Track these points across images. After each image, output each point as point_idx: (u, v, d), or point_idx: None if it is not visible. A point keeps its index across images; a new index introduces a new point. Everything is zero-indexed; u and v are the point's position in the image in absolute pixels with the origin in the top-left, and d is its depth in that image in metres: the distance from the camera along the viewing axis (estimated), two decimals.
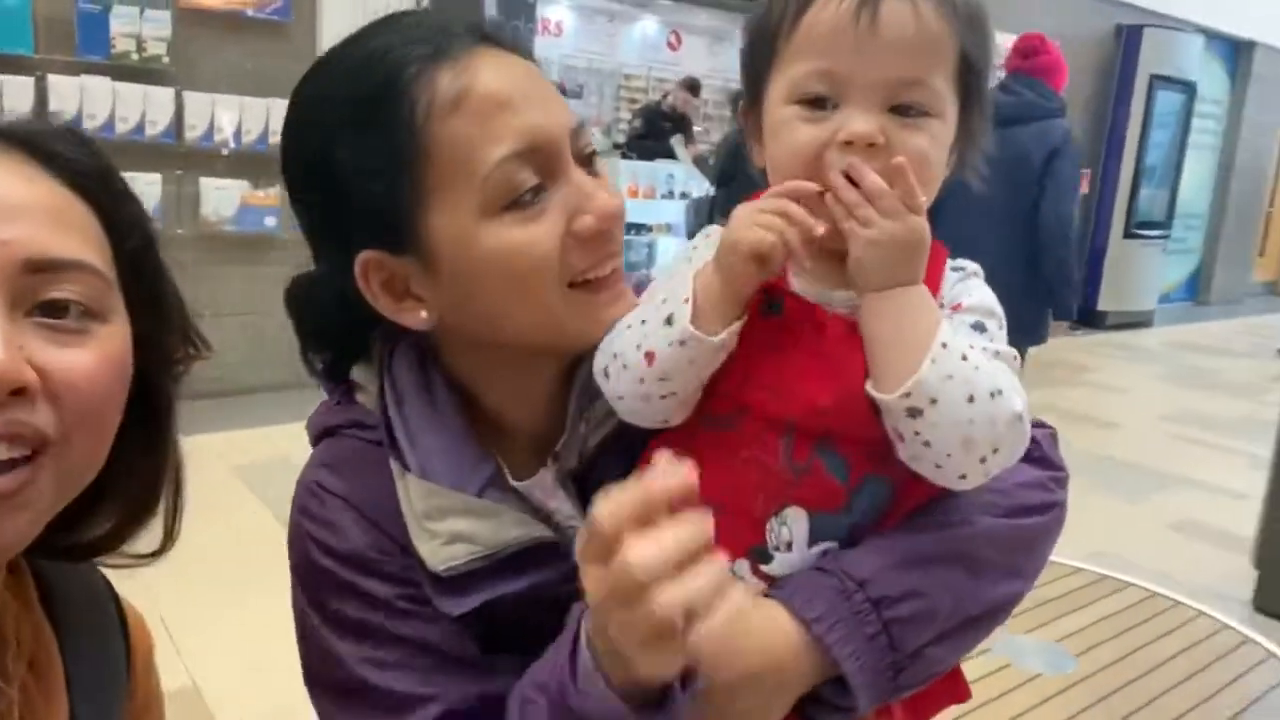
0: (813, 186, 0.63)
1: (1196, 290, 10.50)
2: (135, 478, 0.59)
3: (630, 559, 0.48)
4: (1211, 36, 9.16)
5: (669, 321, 0.63)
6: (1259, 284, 11.53)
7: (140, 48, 4.23)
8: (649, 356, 0.64)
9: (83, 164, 0.56)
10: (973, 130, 0.68)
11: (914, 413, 0.59)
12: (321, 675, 0.68)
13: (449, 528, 0.65)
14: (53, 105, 3.98)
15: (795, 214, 0.62)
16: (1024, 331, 3.22)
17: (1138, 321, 8.69)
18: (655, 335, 0.64)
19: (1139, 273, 8.70)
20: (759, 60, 0.68)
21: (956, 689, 0.74)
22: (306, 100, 0.68)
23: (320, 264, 0.72)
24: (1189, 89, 8.71)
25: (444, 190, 0.64)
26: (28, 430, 0.49)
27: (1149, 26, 8.43)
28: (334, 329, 0.74)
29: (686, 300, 0.63)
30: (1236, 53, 9.97)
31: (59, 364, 0.50)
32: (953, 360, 0.59)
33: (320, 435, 0.73)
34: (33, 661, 0.57)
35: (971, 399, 0.59)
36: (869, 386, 0.62)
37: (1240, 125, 10.09)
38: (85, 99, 4.07)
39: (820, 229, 0.61)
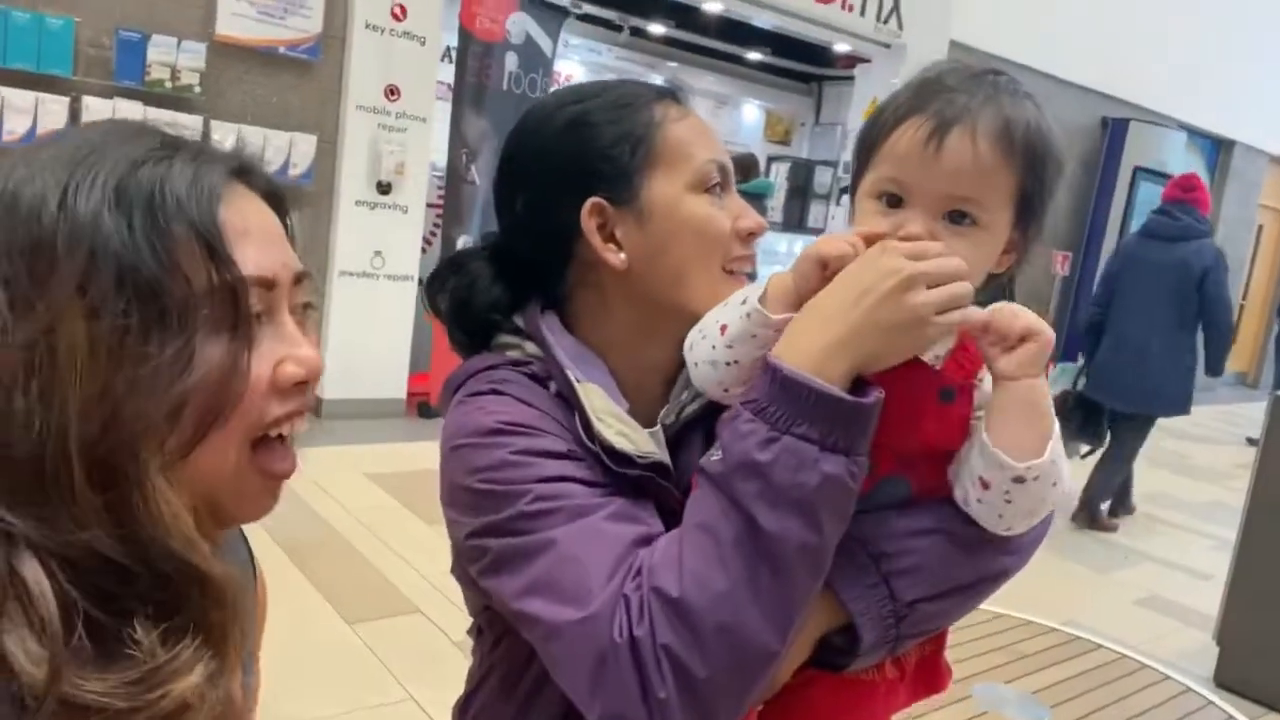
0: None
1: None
2: None
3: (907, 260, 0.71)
4: (1193, 133, 9.55)
5: (743, 302, 0.80)
6: (1230, 374, 11.83)
7: (174, 76, 4.39)
8: (723, 328, 0.80)
9: (276, 193, 0.67)
10: (1028, 238, 0.82)
11: (1019, 480, 0.73)
12: (520, 559, 0.76)
13: (616, 427, 0.81)
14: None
15: (870, 234, 0.77)
16: (1174, 405, 4.74)
17: None
18: (731, 312, 0.80)
19: None
20: (860, 160, 0.83)
21: (937, 676, 0.87)
22: (570, 97, 0.92)
23: (513, 233, 0.93)
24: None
25: (666, 166, 0.88)
26: (308, 407, 0.63)
27: (1135, 120, 8.80)
28: (481, 303, 0.92)
29: (760, 289, 0.79)
30: (1217, 150, 10.40)
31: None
32: (1057, 450, 0.75)
33: (472, 375, 0.88)
34: None
35: (1055, 484, 0.75)
36: (989, 439, 0.73)
37: (1218, 220, 10.48)
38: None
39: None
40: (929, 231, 0.76)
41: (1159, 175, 8.88)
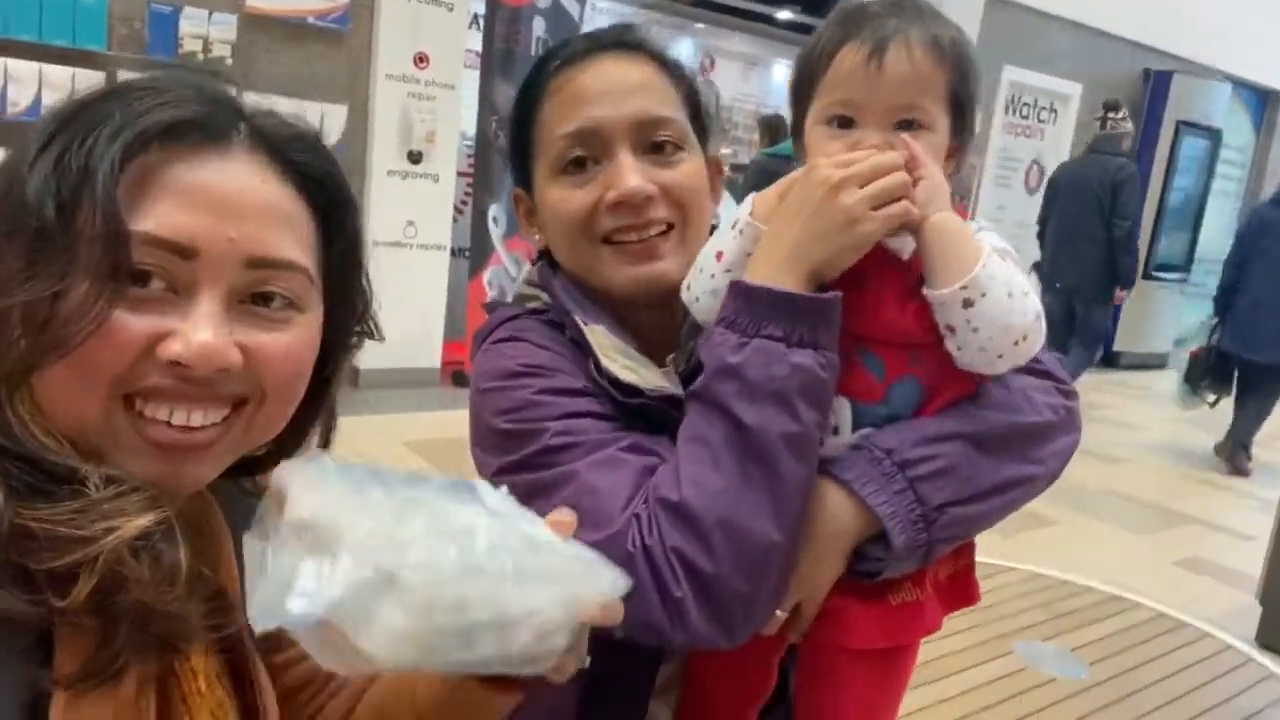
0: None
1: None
2: (293, 421, 0.66)
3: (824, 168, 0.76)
4: (1239, 85, 9.28)
5: (734, 225, 0.83)
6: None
7: (206, 49, 4.42)
8: (719, 255, 0.83)
9: (313, 169, 0.62)
10: (963, 144, 0.87)
11: (968, 303, 0.77)
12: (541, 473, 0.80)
13: (621, 362, 0.84)
14: None
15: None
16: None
17: (1153, 363, 8.76)
18: (724, 237, 0.84)
19: (1156, 315, 8.77)
20: (801, 90, 0.89)
21: (969, 590, 0.90)
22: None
23: None
24: (1214, 136, 8.81)
25: (540, 153, 0.90)
26: (226, 397, 0.57)
27: (1178, 73, 8.55)
28: None
29: (748, 208, 0.83)
30: (1262, 102, 10.10)
31: (260, 344, 0.58)
32: (996, 265, 0.78)
33: (497, 325, 0.91)
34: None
35: (1010, 295, 0.78)
36: (927, 290, 0.79)
37: (1264, 173, 10.20)
38: None
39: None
40: (886, 141, 0.82)
41: (1203, 129, 8.66)
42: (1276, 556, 3.28)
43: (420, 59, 5.08)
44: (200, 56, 4.39)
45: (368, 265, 0.69)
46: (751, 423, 0.74)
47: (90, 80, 4.12)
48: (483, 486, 0.59)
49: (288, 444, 0.68)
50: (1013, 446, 0.83)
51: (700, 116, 0.92)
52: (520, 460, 0.81)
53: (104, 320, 0.53)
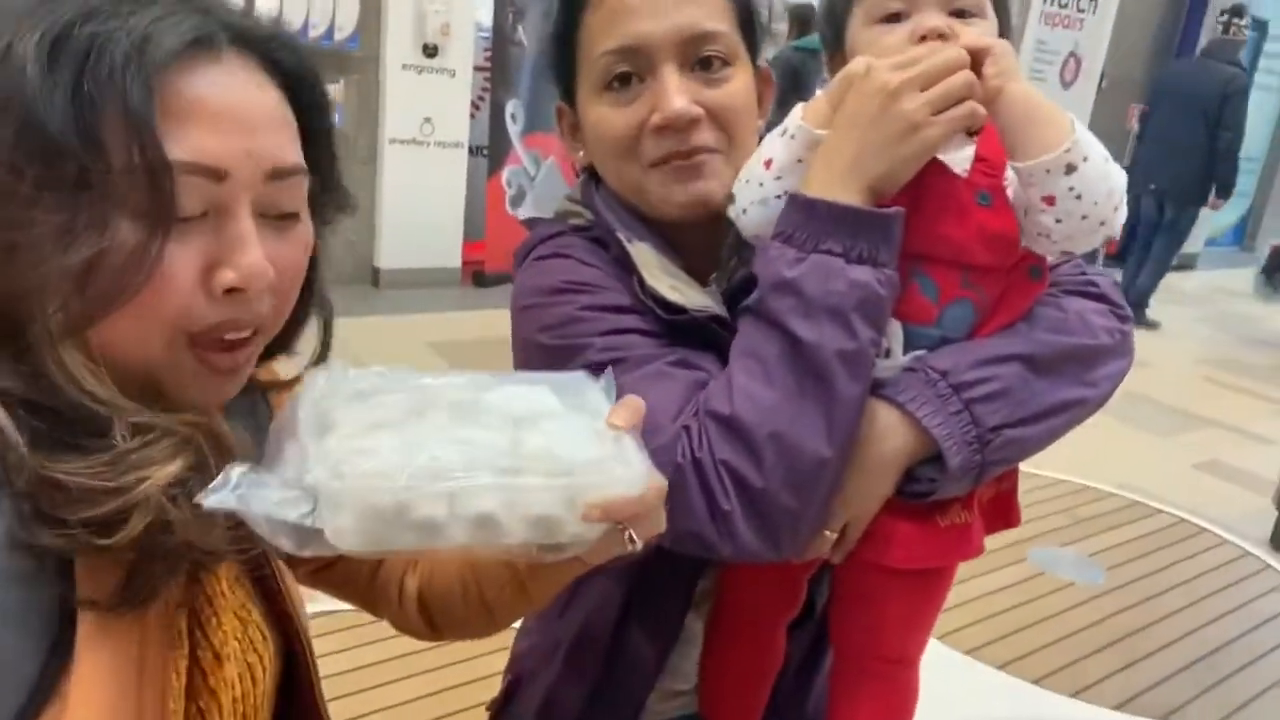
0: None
1: (1244, 236, 10.35)
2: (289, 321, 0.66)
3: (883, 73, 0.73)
4: None
5: (784, 130, 0.80)
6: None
7: None
8: (768, 163, 0.80)
9: (294, 67, 0.60)
10: (1004, 34, 0.85)
11: (1071, 169, 0.74)
12: None
13: (667, 281, 0.83)
14: None
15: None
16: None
17: (1183, 264, 8.61)
18: (773, 143, 0.81)
19: None
20: (838, 9, 0.86)
21: (1011, 513, 0.90)
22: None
23: None
24: (1261, 27, 8.44)
25: (582, 69, 0.86)
26: (261, 320, 0.58)
27: None
28: None
29: (799, 113, 0.80)
30: None
31: (279, 257, 0.58)
32: (1084, 131, 0.75)
33: (539, 242, 0.90)
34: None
35: (1106, 159, 0.76)
36: (1021, 161, 0.75)
37: None
38: None
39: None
40: (946, 24, 0.80)
41: (1248, 19, 8.29)
42: None
43: None
44: None
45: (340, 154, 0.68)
46: (807, 338, 0.73)
47: None
48: (514, 381, 0.61)
49: (286, 336, 0.68)
50: (1068, 369, 0.81)
51: (751, 24, 0.87)
52: None
53: (161, 258, 0.52)
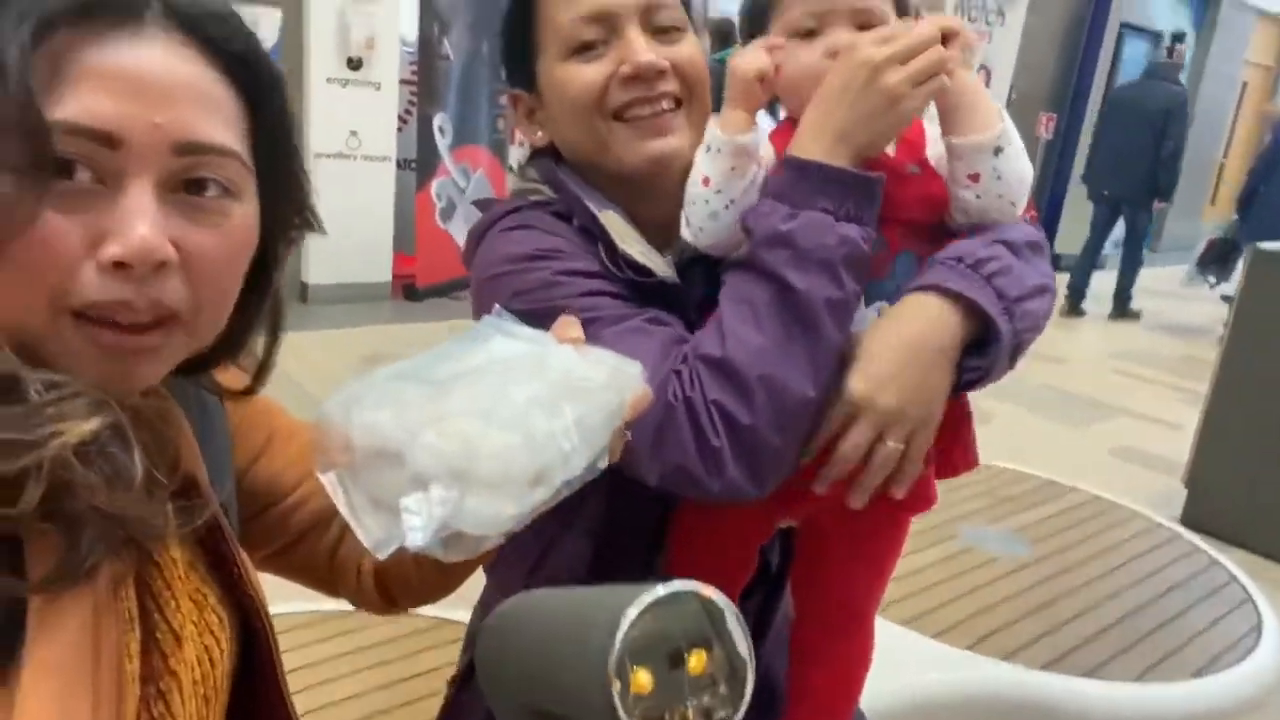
0: (777, 41, 0.88)
1: (1148, 240, 10.84)
2: (236, 320, 0.64)
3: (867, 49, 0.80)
4: None
5: (708, 148, 0.86)
6: (1209, 231, 11.94)
7: None
8: (705, 180, 0.86)
9: (236, 47, 0.58)
10: None
11: (998, 151, 0.84)
12: None
13: (637, 246, 0.88)
14: None
15: (775, 43, 0.87)
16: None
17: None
18: (703, 161, 0.87)
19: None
20: (756, 22, 0.93)
21: (969, 455, 0.96)
22: None
23: None
24: (1157, 38, 8.91)
25: (545, 43, 0.91)
26: (164, 308, 0.55)
27: None
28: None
29: (713, 125, 0.86)
30: (1204, 4, 10.18)
31: (195, 242, 0.55)
32: (1009, 121, 0.86)
33: (499, 217, 0.92)
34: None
35: (1022, 150, 0.86)
36: (957, 137, 0.85)
37: (1202, 75, 10.35)
38: None
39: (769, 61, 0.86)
40: (854, 40, 0.86)
41: (1146, 32, 8.74)
42: (1201, 444, 3.49)
43: None
44: None
45: (301, 148, 0.66)
46: (800, 286, 0.78)
47: None
48: (492, 323, 0.64)
49: (235, 340, 0.66)
50: (1035, 257, 0.88)
51: (688, 5, 0.94)
52: None
53: (34, 217, 0.50)
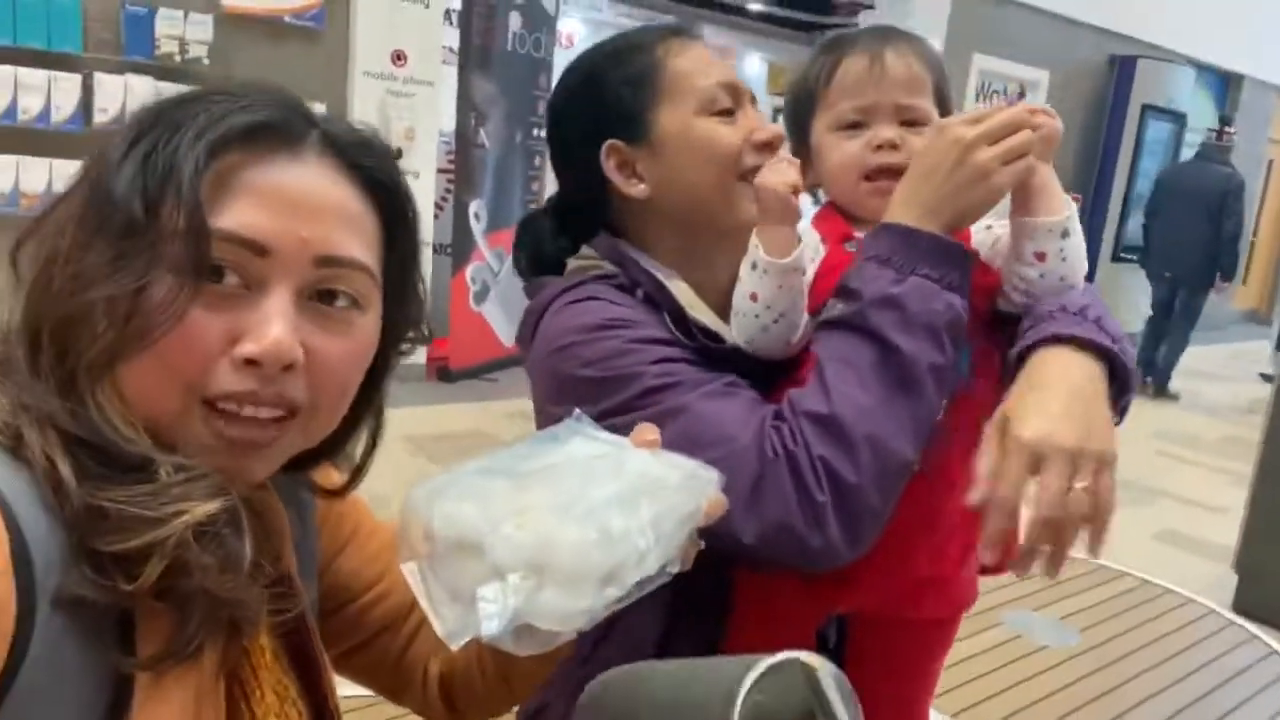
0: (791, 159, 0.92)
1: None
2: (342, 423, 0.67)
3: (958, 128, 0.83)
4: (1202, 69, 9.45)
5: (753, 266, 0.89)
6: (1240, 311, 11.82)
7: (183, 49, 4.39)
8: (753, 297, 0.89)
9: (379, 175, 0.64)
10: None
11: (1065, 234, 0.87)
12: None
13: (706, 313, 0.91)
14: (98, 103, 4.12)
15: (795, 162, 0.90)
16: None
17: None
18: (749, 279, 0.89)
19: (1125, 296, 8.90)
20: (801, 112, 0.99)
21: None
22: (587, 55, 1.02)
23: (563, 184, 1.04)
24: (1179, 119, 8.98)
25: (673, 98, 0.96)
26: (285, 402, 0.58)
27: (1142, 58, 8.71)
28: (550, 253, 1.02)
29: (756, 246, 0.88)
30: (1226, 85, 10.29)
31: (322, 347, 0.59)
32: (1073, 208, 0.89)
33: (561, 292, 0.94)
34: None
35: (1081, 236, 0.89)
36: (1033, 217, 0.86)
37: (1228, 154, 10.37)
38: (129, 97, 4.21)
39: (797, 173, 0.89)
40: (899, 135, 0.92)
41: (1168, 113, 8.81)
42: (1250, 527, 3.39)
43: (398, 56, 5.08)
44: (177, 58, 4.36)
45: (425, 272, 0.72)
46: (907, 350, 0.80)
47: (67, 84, 4.09)
48: (571, 426, 0.65)
49: (339, 441, 0.69)
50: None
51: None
52: (622, 403, 0.84)
53: (184, 314, 0.55)
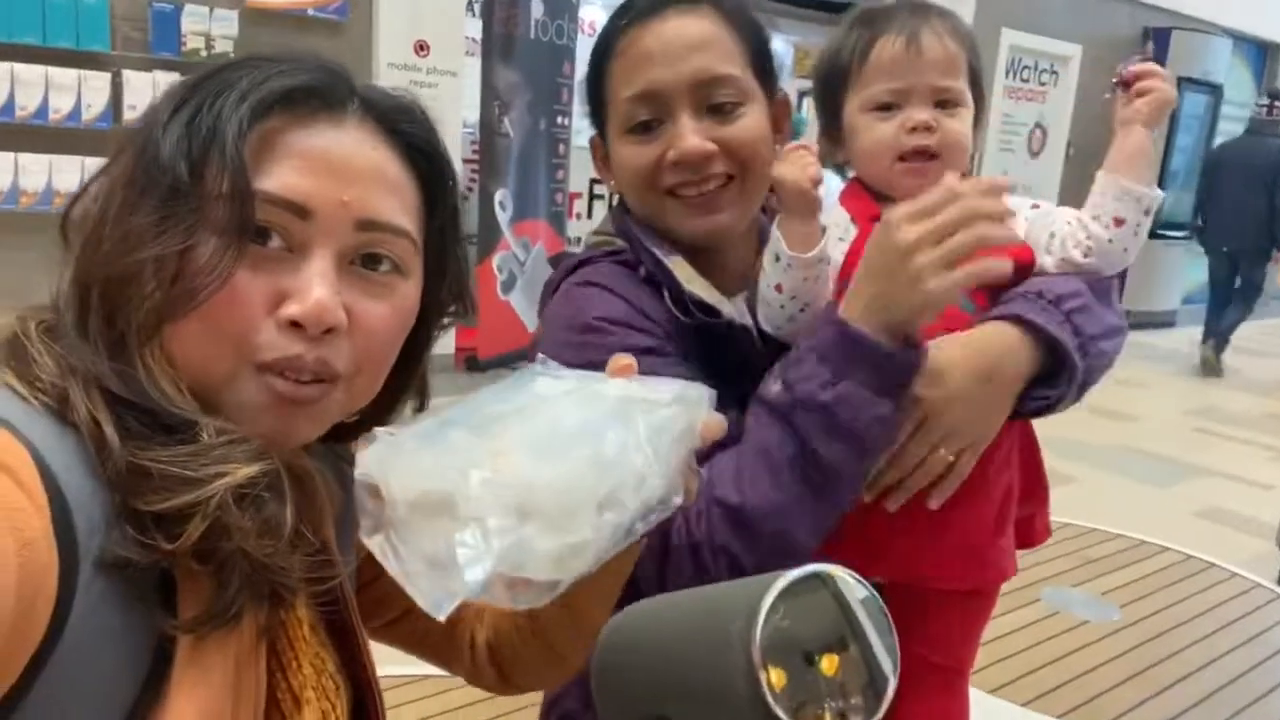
0: (807, 144, 0.89)
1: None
2: (385, 392, 0.67)
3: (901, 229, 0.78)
4: (1239, 39, 9.23)
5: (777, 259, 0.87)
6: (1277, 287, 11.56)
7: (209, 45, 4.43)
8: (778, 288, 0.88)
9: (418, 140, 0.65)
10: (980, 111, 0.97)
11: (1147, 212, 0.89)
12: None
13: (702, 289, 0.89)
14: (128, 100, 4.17)
15: (811, 149, 0.87)
16: None
17: (1160, 321, 8.76)
18: (774, 271, 0.88)
19: (1162, 273, 8.76)
20: (832, 89, 0.96)
21: (1047, 525, 0.98)
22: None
23: None
24: (1216, 91, 8.78)
25: (610, 108, 0.93)
26: (329, 370, 0.59)
27: (1177, 29, 8.51)
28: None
29: (779, 239, 0.87)
30: (1263, 55, 10.04)
31: (364, 310, 0.60)
32: None
33: (572, 269, 0.95)
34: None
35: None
36: (1128, 180, 0.89)
37: (1267, 128, 10.12)
38: (158, 94, 4.21)
39: (816, 163, 0.86)
40: (932, 116, 0.91)
41: (1204, 85, 8.62)
42: None
43: (421, 47, 5.09)
44: (203, 53, 4.40)
45: (465, 240, 0.71)
46: (826, 456, 0.79)
47: (97, 82, 4.15)
48: (533, 369, 0.61)
49: (381, 412, 0.69)
50: (1109, 297, 0.92)
51: (763, 62, 0.94)
52: None
53: (229, 275, 0.55)
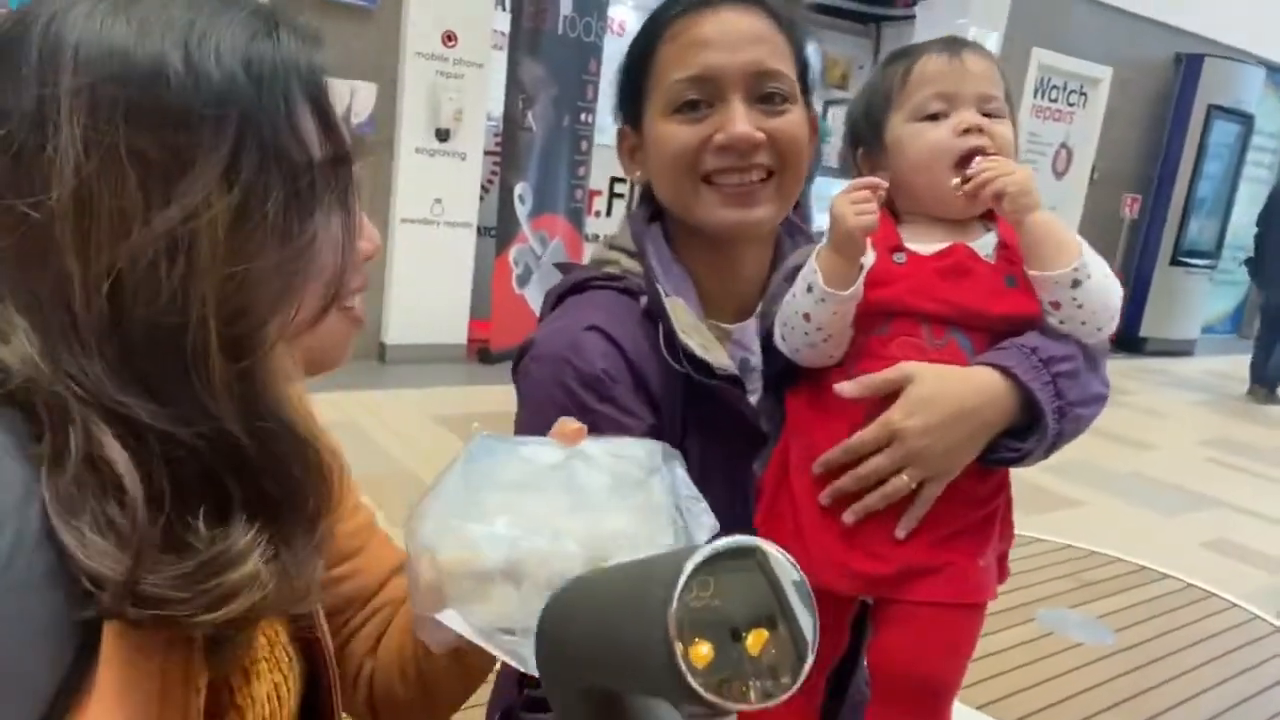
0: (878, 181, 0.90)
1: (1240, 323, 10.45)
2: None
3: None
4: (1272, 69, 9.14)
5: (810, 289, 0.88)
6: None
7: None
8: (806, 317, 0.89)
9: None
10: (1014, 125, 0.99)
11: (1077, 283, 0.88)
12: None
13: (697, 339, 0.88)
14: None
15: (876, 192, 0.89)
16: None
17: (1179, 350, 8.68)
18: (805, 301, 0.89)
19: (1183, 301, 8.69)
20: (874, 112, 0.97)
21: (1003, 570, 0.98)
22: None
23: None
24: (1247, 121, 8.69)
25: (654, 92, 0.94)
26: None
27: (1209, 56, 8.44)
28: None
29: (816, 272, 0.88)
30: None
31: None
32: (1091, 252, 0.90)
33: (566, 292, 0.95)
34: None
35: (1106, 275, 0.90)
36: (1034, 270, 0.89)
37: None
38: None
39: (876, 212, 0.88)
40: (984, 122, 0.93)
41: (1235, 114, 8.54)
42: None
43: (449, 37, 5.11)
44: None
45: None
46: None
47: None
48: (486, 445, 0.62)
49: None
50: (1099, 365, 0.93)
51: (806, 71, 0.95)
52: None
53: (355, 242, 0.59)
